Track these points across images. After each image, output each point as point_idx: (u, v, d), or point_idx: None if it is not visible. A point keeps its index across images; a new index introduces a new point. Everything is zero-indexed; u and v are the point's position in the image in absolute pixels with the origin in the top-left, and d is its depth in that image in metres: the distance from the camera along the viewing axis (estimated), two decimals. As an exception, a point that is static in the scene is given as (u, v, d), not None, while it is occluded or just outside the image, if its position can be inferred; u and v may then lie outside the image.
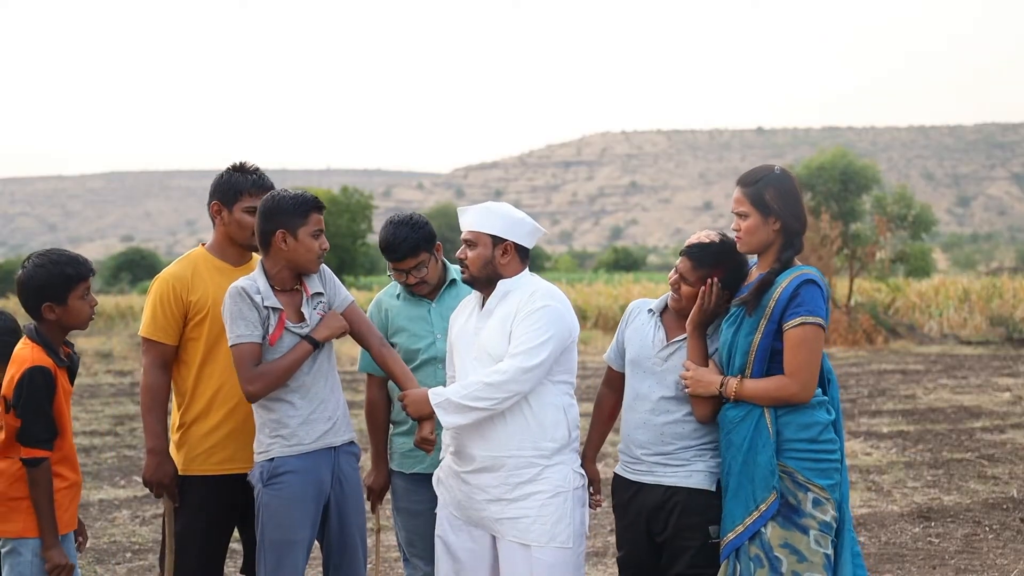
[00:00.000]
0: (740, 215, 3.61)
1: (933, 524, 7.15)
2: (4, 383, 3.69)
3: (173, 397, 4.15)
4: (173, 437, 4.09)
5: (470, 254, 3.77)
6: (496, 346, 3.72)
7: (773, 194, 3.55)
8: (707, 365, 3.66)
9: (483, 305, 3.83)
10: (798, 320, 3.45)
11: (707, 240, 3.74)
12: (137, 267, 50.14)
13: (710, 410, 3.65)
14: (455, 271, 4.23)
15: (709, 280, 3.66)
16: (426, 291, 4.24)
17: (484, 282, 3.79)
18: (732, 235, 3.72)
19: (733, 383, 3.54)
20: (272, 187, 4.09)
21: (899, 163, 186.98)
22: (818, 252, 21.17)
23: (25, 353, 3.67)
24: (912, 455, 9.52)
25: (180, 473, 4.03)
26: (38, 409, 3.61)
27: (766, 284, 3.54)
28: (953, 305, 24.33)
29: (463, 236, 3.80)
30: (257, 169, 4.12)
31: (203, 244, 4.20)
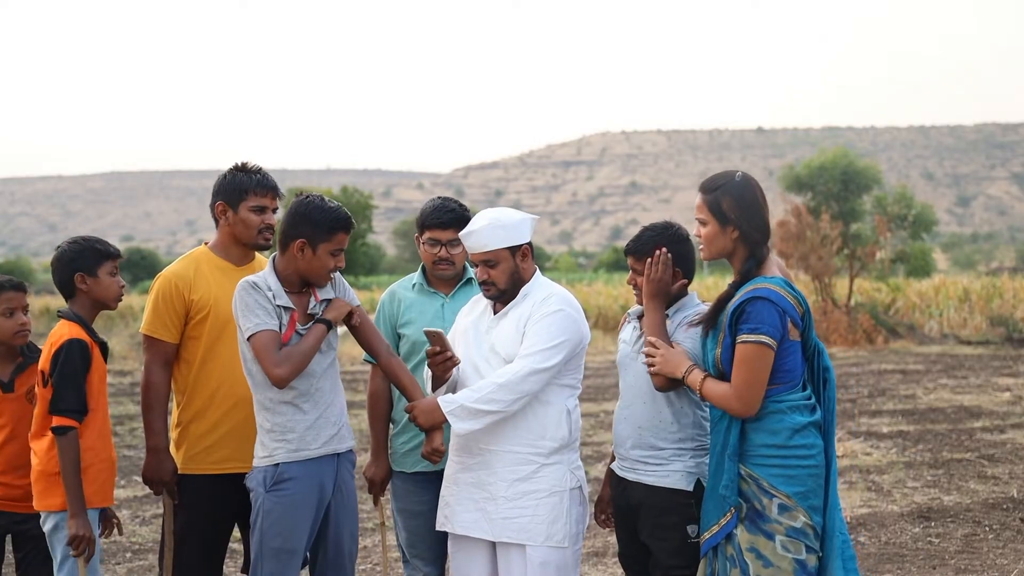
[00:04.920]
0: (700, 222, 3.59)
1: (933, 524, 7.15)
2: (41, 359, 3.91)
3: (173, 395, 4.16)
4: (172, 435, 4.10)
5: (494, 273, 3.74)
6: (506, 346, 3.72)
7: (731, 203, 3.50)
8: (666, 337, 3.65)
9: (495, 307, 3.83)
10: (741, 337, 3.41)
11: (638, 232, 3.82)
12: (137, 267, 50.16)
13: (669, 383, 3.62)
14: (472, 270, 4.23)
15: (656, 253, 3.68)
16: (449, 273, 4.24)
17: (512, 293, 3.78)
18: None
19: (698, 376, 3.52)
20: (275, 187, 4.10)
21: (899, 163, 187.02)
22: (818, 252, 21.20)
23: (63, 330, 3.90)
24: (912, 455, 9.52)
25: (179, 471, 4.04)
26: (72, 379, 3.82)
27: (723, 299, 3.52)
28: (953, 305, 24.34)
29: (478, 258, 3.75)
30: (260, 169, 4.12)
31: (206, 243, 4.20)
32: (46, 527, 3.89)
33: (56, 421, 3.81)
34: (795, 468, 3.43)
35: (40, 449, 3.91)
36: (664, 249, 3.69)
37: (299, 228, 3.67)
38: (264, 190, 4.05)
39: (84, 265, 3.97)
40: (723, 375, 3.51)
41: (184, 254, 4.21)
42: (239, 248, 4.12)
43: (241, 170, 4.09)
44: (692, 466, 3.68)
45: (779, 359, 3.43)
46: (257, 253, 4.22)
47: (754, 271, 3.51)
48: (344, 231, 3.69)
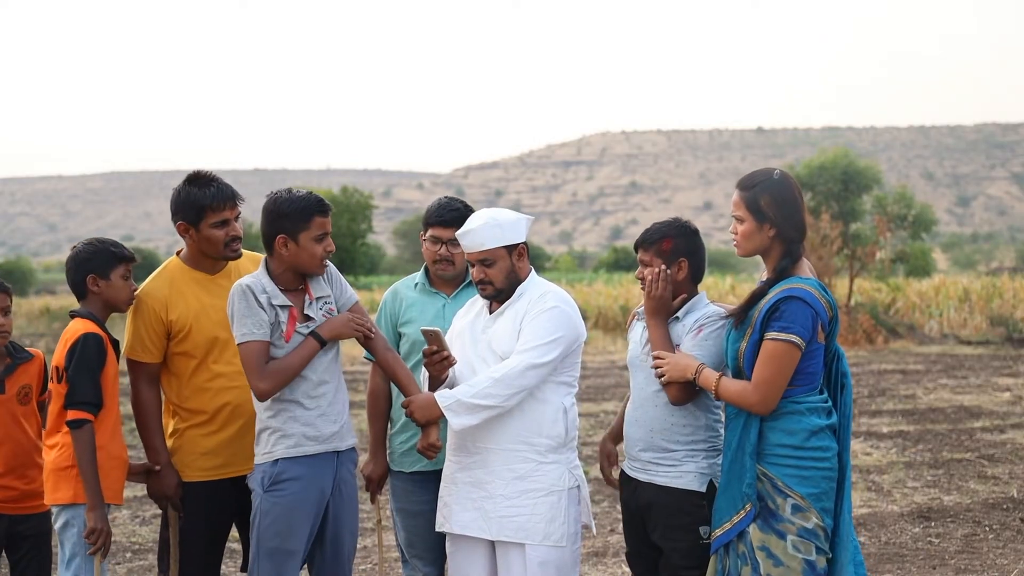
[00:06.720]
0: (736, 219, 3.60)
1: (933, 524, 7.15)
2: (56, 355, 3.89)
3: (165, 405, 4.13)
4: (168, 443, 4.08)
5: (491, 272, 3.75)
6: (503, 344, 3.73)
7: (769, 201, 3.51)
8: (671, 350, 3.66)
9: (492, 307, 3.84)
10: (771, 334, 3.43)
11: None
12: (137, 267, 50.15)
13: (683, 394, 3.63)
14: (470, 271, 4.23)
15: (658, 270, 3.70)
16: (450, 274, 4.25)
17: (509, 292, 3.79)
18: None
19: (711, 375, 3.53)
20: (232, 196, 3.97)
21: (899, 163, 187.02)
22: (818, 252, 21.19)
23: (77, 326, 3.90)
24: (912, 455, 9.52)
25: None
26: (88, 372, 3.82)
27: (757, 296, 3.53)
28: (953, 305, 24.33)
29: (474, 257, 3.77)
30: (214, 179, 3.98)
31: (178, 253, 4.15)
32: (57, 524, 3.88)
33: (71, 415, 3.80)
34: (810, 469, 3.44)
35: (54, 445, 3.89)
36: (664, 266, 3.70)
37: (275, 225, 3.68)
38: (221, 203, 3.93)
39: (97, 267, 3.95)
40: (741, 370, 3.51)
41: (159, 268, 4.14)
42: (210, 259, 4.06)
43: (194, 183, 3.96)
44: (704, 467, 3.68)
45: (803, 360, 3.45)
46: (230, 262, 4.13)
47: (789, 270, 3.52)
48: (319, 214, 3.70)
